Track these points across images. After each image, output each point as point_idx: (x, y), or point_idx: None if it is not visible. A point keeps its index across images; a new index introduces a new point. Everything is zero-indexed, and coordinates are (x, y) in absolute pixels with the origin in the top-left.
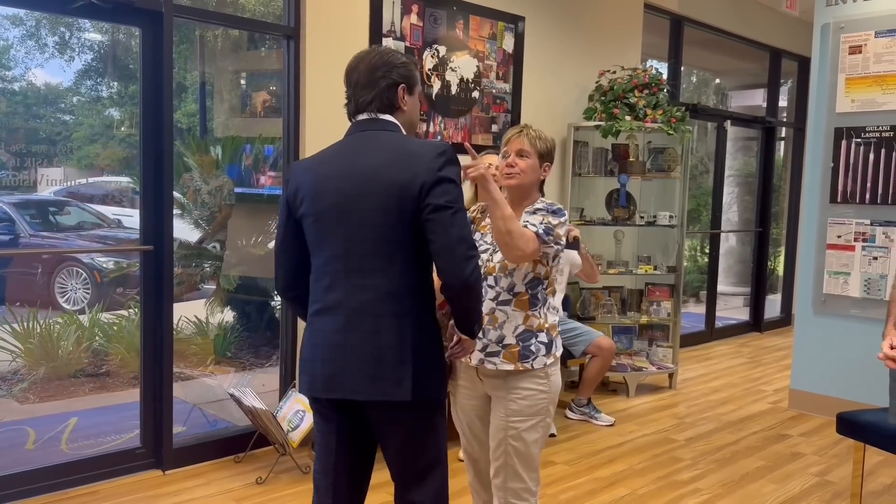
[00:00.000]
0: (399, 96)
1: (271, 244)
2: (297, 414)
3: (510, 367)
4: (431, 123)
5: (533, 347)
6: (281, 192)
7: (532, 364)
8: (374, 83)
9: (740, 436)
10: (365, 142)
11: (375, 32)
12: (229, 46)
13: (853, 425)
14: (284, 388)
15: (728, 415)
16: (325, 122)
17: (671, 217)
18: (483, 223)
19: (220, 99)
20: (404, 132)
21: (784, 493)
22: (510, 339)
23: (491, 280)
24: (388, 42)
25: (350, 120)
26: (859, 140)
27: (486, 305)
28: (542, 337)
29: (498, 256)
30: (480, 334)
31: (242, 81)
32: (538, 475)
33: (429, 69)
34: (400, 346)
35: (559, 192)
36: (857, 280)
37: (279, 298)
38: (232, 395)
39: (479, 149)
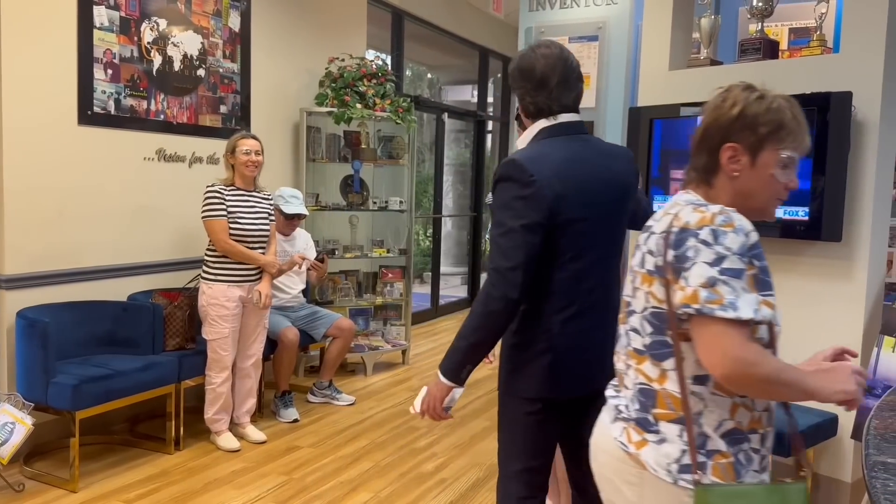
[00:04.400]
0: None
1: None
2: (4, 427)
3: None
4: (153, 101)
5: None
6: (519, 199)
7: None
8: (575, 85)
9: (467, 401)
10: (596, 145)
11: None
12: None
13: None
14: None
15: None
16: (28, 97)
17: (401, 202)
18: None
19: None
20: None
21: None
22: None
23: None
24: (100, 11)
25: (539, 118)
26: None
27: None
28: None
29: None
30: None
31: None
32: None
33: (148, 43)
34: None
35: (294, 177)
36: None
37: None
38: None
39: (209, 130)
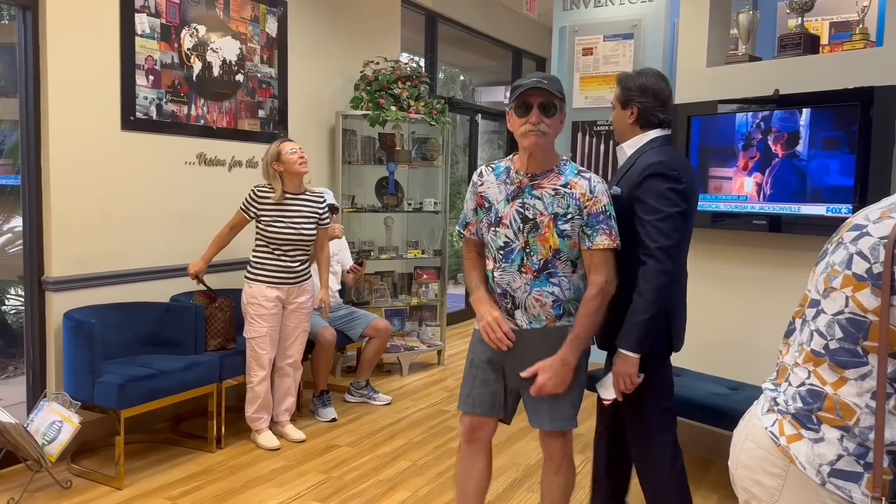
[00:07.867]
0: None
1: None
2: (52, 426)
3: None
4: (193, 106)
5: None
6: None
7: None
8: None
9: None
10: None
11: (127, 7)
12: None
13: (595, 381)
14: (34, 398)
15: None
16: (73, 104)
17: (436, 203)
18: None
19: None
20: None
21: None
22: None
23: None
24: (141, 18)
25: (652, 128)
26: (593, 132)
27: None
28: None
29: None
30: None
31: None
32: None
33: (188, 49)
34: None
35: (330, 180)
36: None
37: (12, 302)
38: None
39: (248, 135)
